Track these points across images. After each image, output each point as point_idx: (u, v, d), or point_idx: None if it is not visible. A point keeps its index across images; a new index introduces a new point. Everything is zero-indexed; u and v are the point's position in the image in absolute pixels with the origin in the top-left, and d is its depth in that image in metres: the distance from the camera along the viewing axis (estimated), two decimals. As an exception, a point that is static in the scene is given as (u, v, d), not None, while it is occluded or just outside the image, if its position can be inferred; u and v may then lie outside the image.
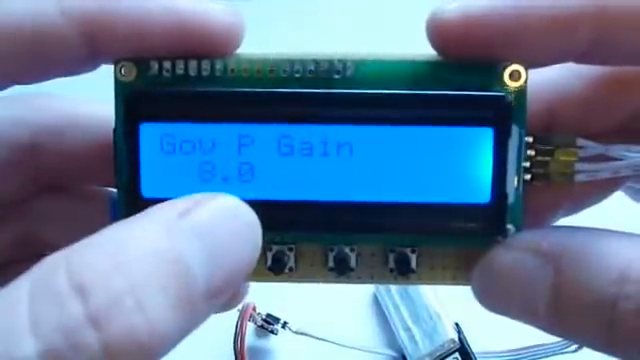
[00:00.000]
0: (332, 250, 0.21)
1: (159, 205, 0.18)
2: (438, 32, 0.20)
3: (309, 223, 0.20)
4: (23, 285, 0.16)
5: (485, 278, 0.20)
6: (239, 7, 0.20)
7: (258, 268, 0.21)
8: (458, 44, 0.19)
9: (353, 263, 0.21)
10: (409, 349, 0.40)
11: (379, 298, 0.42)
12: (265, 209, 0.19)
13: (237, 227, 0.18)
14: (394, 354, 0.41)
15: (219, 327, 0.38)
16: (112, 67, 0.21)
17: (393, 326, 0.41)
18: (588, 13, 0.19)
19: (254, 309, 0.39)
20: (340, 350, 0.39)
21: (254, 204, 0.18)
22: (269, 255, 0.21)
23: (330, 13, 0.53)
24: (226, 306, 0.23)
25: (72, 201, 0.25)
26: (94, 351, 0.15)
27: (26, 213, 0.24)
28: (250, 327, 0.40)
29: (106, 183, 0.24)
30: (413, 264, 0.21)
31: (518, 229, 0.20)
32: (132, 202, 0.20)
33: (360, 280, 0.22)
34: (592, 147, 0.20)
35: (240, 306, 0.38)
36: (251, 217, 0.18)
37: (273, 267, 0.21)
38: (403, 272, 0.21)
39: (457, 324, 0.40)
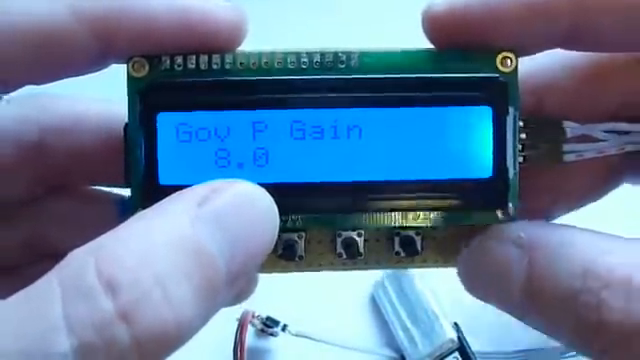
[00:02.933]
0: (340, 235, 0.23)
1: (178, 193, 0.19)
2: (429, 25, 0.22)
3: (323, 204, 0.22)
4: (53, 282, 0.17)
5: (470, 262, 0.22)
6: (243, 4, 0.22)
7: (269, 258, 0.22)
8: (447, 34, 0.22)
9: (361, 248, 0.23)
10: (408, 349, 0.41)
11: (377, 300, 0.44)
12: (280, 192, 0.21)
13: (255, 212, 0.20)
14: (394, 355, 0.42)
15: (219, 334, 0.39)
16: (115, 66, 0.23)
17: (392, 327, 0.43)
18: (569, 1, 0.21)
19: (253, 315, 0.41)
20: (340, 352, 0.41)
21: (269, 188, 0.20)
22: (279, 243, 0.23)
23: (333, 11, 0.55)
24: (239, 297, 0.25)
25: (79, 202, 0.26)
26: (125, 345, 0.17)
27: (34, 214, 0.26)
28: (250, 329, 0.41)
29: (112, 181, 0.26)
30: (418, 246, 0.23)
31: (515, 208, 0.22)
32: (150, 190, 0.22)
33: (367, 266, 0.24)
34: (577, 129, 0.23)
35: (239, 314, 0.40)
36: (268, 202, 0.20)
37: (284, 255, 0.23)
38: (409, 254, 0.23)
39: (456, 324, 0.41)
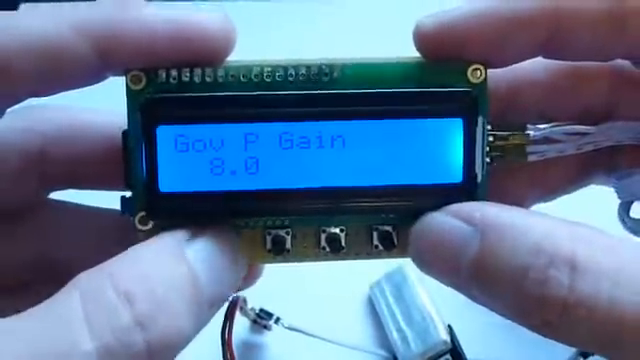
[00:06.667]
0: (324, 232, 0.27)
1: (167, 232, 0.24)
2: (419, 41, 0.26)
3: (309, 207, 0.26)
4: (73, 295, 0.21)
5: (420, 235, 0.25)
6: (231, 12, 0.26)
7: (259, 252, 0.27)
8: (436, 50, 0.26)
9: (343, 242, 0.27)
10: (401, 350, 0.44)
11: (373, 299, 0.47)
12: (269, 197, 0.25)
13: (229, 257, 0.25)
14: (386, 354, 0.45)
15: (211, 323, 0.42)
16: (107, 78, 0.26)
17: (386, 327, 0.46)
18: (541, 17, 0.25)
19: (244, 301, 0.44)
20: (333, 348, 0.44)
21: (260, 193, 0.25)
22: (268, 239, 0.27)
23: (323, 20, 0.59)
24: (244, 285, 0.30)
25: (82, 216, 0.30)
26: (140, 348, 0.21)
27: (38, 227, 0.29)
28: (244, 322, 0.45)
29: (112, 185, 0.29)
30: (395, 240, 0.27)
31: None
32: (150, 197, 0.26)
33: (348, 257, 0.28)
34: (540, 131, 0.27)
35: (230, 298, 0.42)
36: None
37: (273, 249, 0.27)
38: (386, 247, 0.27)
39: (450, 326, 0.44)
